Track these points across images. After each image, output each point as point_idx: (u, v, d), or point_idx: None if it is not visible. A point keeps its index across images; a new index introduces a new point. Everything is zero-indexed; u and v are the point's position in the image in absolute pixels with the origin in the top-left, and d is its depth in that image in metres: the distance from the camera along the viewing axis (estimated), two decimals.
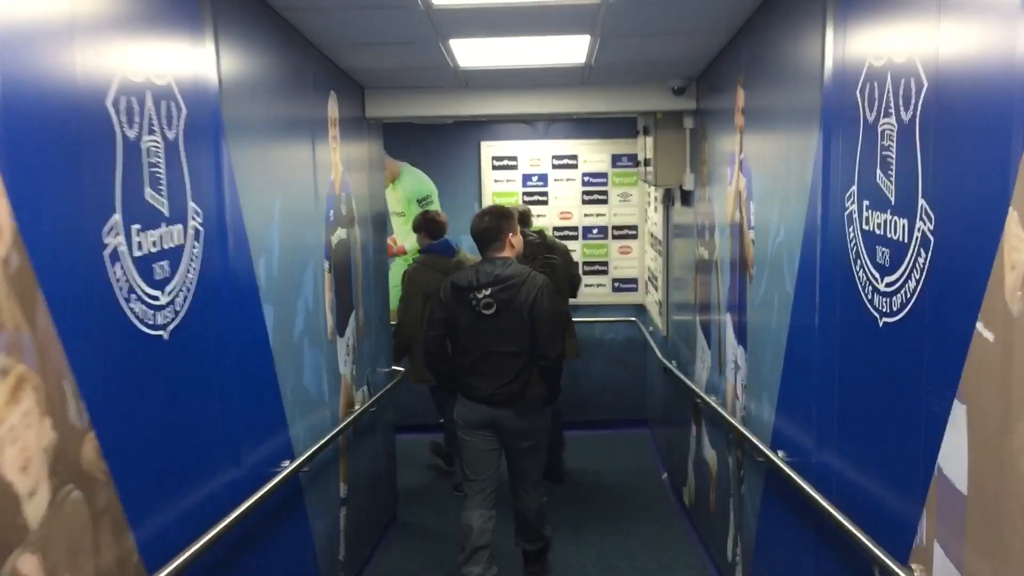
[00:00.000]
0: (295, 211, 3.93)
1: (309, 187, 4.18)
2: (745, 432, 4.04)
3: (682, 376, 5.79)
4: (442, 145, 7.98)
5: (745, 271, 4.16)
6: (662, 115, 5.73)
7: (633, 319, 8.09)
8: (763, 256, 3.83)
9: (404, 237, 8.10)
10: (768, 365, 3.81)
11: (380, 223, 6.13)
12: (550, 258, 6.23)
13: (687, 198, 5.80)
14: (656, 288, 7.25)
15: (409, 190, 8.02)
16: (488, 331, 4.64)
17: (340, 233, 4.73)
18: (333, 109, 4.65)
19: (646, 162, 6.11)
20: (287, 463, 3.66)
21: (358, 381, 5.11)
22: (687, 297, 5.89)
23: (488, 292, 4.61)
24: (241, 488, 3.12)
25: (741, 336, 4.29)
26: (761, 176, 3.88)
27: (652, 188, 7.27)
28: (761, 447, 3.77)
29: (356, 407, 5.02)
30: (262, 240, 3.46)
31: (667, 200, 6.41)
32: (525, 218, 6.39)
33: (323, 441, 4.12)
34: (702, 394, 5.12)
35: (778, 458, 3.58)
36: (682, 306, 6.18)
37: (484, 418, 4.73)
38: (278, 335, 3.61)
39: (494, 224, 4.75)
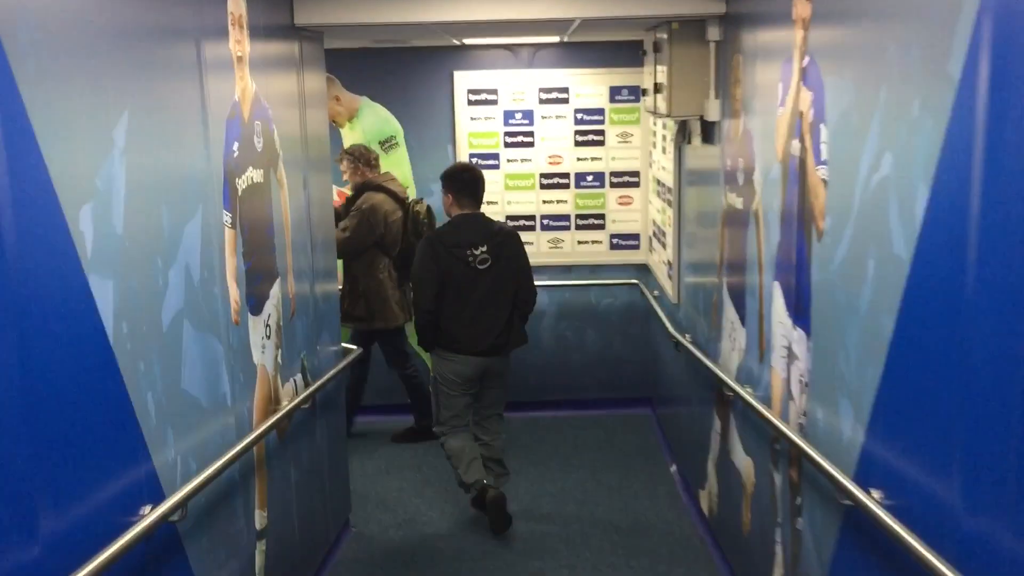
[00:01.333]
0: (159, 136, 2.70)
1: (189, 103, 2.95)
2: (809, 451, 2.87)
3: (702, 357, 4.62)
4: (408, 76, 6.72)
5: (809, 224, 2.97)
6: (678, 25, 4.49)
7: (635, 281, 6.90)
8: (844, 202, 2.64)
9: None
10: (851, 360, 2.63)
11: (323, 168, 4.90)
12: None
13: (709, 133, 4.58)
14: (664, 245, 6.05)
15: (369, 130, 6.77)
16: (482, 286, 4.87)
17: (252, 175, 3.50)
18: (237, 5, 3.40)
19: (656, 88, 4.88)
20: (147, 509, 2.48)
21: (286, 371, 3.92)
22: (707, 257, 4.70)
23: (485, 248, 4.86)
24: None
25: (800, 314, 3.11)
26: (842, 85, 2.67)
27: (661, 124, 6.04)
28: (840, 478, 2.61)
29: (285, 403, 3.84)
30: (86, 178, 2.24)
31: (680, 138, 5.18)
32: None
33: (219, 464, 2.94)
34: (733, 384, 3.95)
35: (872, 500, 2.42)
36: (700, 268, 4.99)
37: (477, 370, 5.01)
38: (126, 321, 2.40)
39: (482, 178, 5.05)
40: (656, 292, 6.58)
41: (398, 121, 6.77)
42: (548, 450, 6.44)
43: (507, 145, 6.78)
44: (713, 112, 4.38)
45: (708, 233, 4.67)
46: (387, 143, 6.78)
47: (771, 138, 3.39)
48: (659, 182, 6.21)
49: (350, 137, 6.80)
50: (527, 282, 5.07)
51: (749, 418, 3.88)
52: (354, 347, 5.24)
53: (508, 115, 6.76)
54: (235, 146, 3.30)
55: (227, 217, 3.20)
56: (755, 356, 3.74)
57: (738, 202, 3.98)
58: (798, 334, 3.12)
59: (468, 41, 6.35)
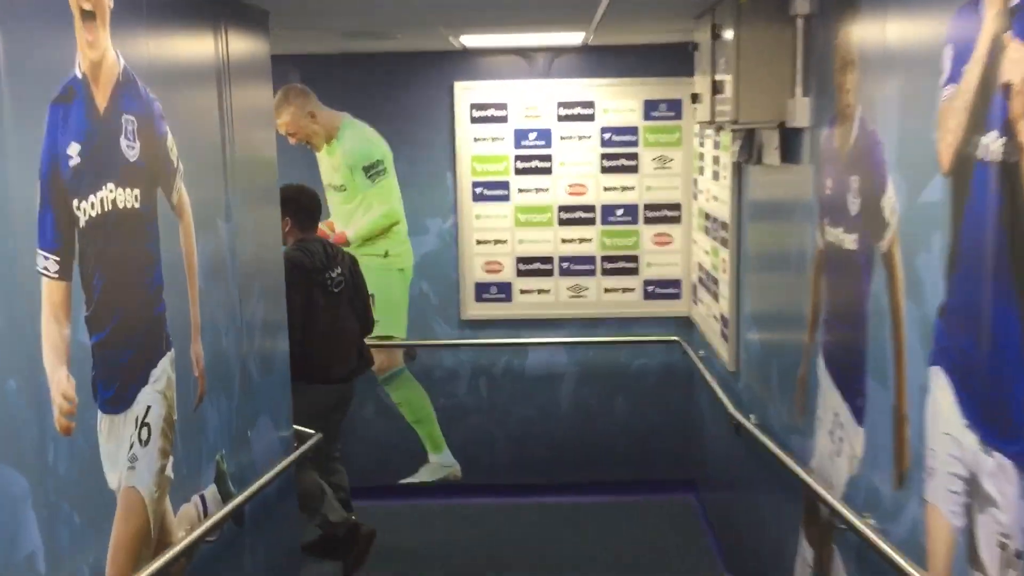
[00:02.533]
0: None
1: None
2: None
3: (783, 455, 3.34)
4: (399, 88, 5.53)
5: None
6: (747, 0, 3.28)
7: (675, 338, 5.63)
8: None
9: (346, 220, 5.64)
10: None
11: (266, 196, 3.68)
12: None
13: (792, 147, 3.34)
14: (715, 296, 4.79)
15: (352, 153, 5.56)
16: (337, 309, 4.66)
17: (113, 196, 2.26)
18: None
19: (715, 88, 3.64)
20: None
21: (183, 488, 2.66)
22: (788, 313, 3.44)
23: (339, 271, 4.65)
24: None
25: (1001, 430, 1.83)
26: None
27: (711, 144, 4.80)
28: None
29: (183, 536, 2.58)
30: None
31: (744, 156, 3.93)
32: None
33: None
34: (841, 508, 2.67)
35: None
36: (774, 327, 3.72)
37: (339, 397, 4.79)
38: None
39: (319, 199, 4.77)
40: (702, 352, 5.30)
41: (387, 143, 5.57)
42: (566, 546, 5.15)
43: (519, 171, 5.56)
44: (800, 115, 3.13)
45: (788, 281, 3.40)
46: (373, 170, 5.57)
47: (925, 139, 2.14)
48: (707, 216, 4.95)
49: (328, 163, 5.60)
50: (366, 304, 4.92)
51: (868, 557, 2.59)
52: (312, 431, 3.99)
53: (520, 135, 5.55)
54: (72, 148, 2.07)
55: (48, 262, 1.96)
56: (885, 474, 2.46)
57: (847, 240, 2.72)
58: (995, 463, 1.84)
59: (470, 43, 5.16)
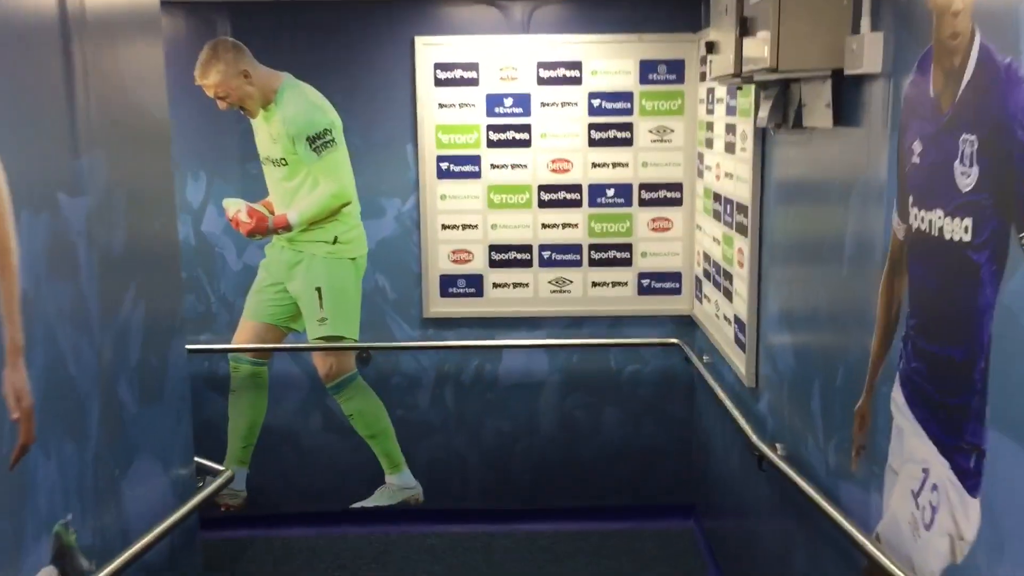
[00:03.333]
0: None
1: None
2: None
3: (833, 511, 2.53)
4: (350, 44, 4.65)
5: None
6: None
7: (674, 341, 4.80)
8: None
9: (287, 200, 4.78)
10: None
11: (151, 163, 2.82)
12: None
13: (851, 101, 2.50)
14: (727, 292, 3.96)
15: (293, 121, 4.68)
16: None
17: None
18: None
19: (743, 28, 2.79)
20: None
21: None
22: (838, 324, 2.62)
23: None
24: None
25: None
26: None
27: (723, 108, 3.97)
28: None
29: None
30: None
31: (773, 122, 3.08)
32: None
33: None
34: None
35: None
36: (814, 334, 2.90)
37: None
38: None
39: None
40: (708, 358, 4.49)
41: (335, 109, 4.70)
42: None
43: (492, 144, 4.70)
44: (869, 57, 2.29)
45: (841, 280, 2.58)
46: (319, 140, 4.69)
47: None
48: (718, 197, 4.12)
49: (265, 132, 4.72)
50: None
51: None
52: (221, 467, 3.14)
53: (493, 101, 4.69)
54: None
55: None
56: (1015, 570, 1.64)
57: (954, 227, 1.89)
58: None
59: None
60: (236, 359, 4.93)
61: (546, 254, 4.80)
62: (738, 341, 3.77)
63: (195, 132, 4.71)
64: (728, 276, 3.93)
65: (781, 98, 2.95)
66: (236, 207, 4.77)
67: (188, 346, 4.93)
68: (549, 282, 4.83)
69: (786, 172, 3.15)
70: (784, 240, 3.20)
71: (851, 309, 2.51)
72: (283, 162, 4.72)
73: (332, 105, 4.69)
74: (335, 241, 4.81)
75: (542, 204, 4.75)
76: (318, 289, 4.83)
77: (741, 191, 3.65)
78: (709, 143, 4.31)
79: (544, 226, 4.78)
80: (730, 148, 3.85)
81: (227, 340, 4.88)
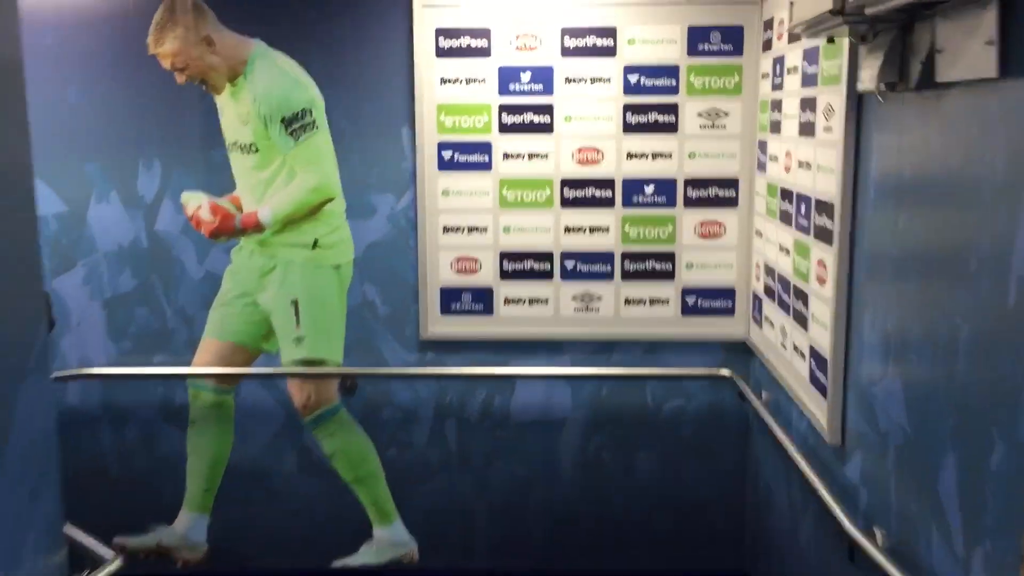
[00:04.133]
0: None
1: None
2: None
3: None
4: (335, 6, 3.83)
5: None
6: None
7: (725, 372, 3.91)
8: None
9: (257, 195, 3.95)
10: None
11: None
12: None
13: None
14: (799, 316, 3.08)
15: (266, 99, 3.85)
16: None
17: None
18: None
19: None
20: None
21: None
22: (982, 362, 1.74)
23: None
24: None
25: None
26: None
27: (799, 75, 3.08)
28: None
29: None
30: None
31: (885, 82, 2.19)
32: None
33: None
34: None
35: None
36: (935, 379, 2.02)
37: None
38: None
39: None
40: (767, 393, 3.62)
41: (316, 85, 3.87)
42: None
43: (505, 128, 3.86)
44: None
45: (1002, 310, 1.71)
46: (297, 123, 3.86)
47: None
48: (787, 194, 3.24)
49: (232, 111, 3.91)
50: None
51: None
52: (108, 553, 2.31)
53: (508, 76, 3.84)
54: None
55: None
56: None
57: None
58: None
59: None
60: (196, 385, 4.11)
61: (569, 264, 3.94)
62: (815, 382, 2.89)
63: (147, 111, 3.91)
64: (801, 295, 3.05)
65: (898, 45, 2.07)
66: (197, 203, 3.96)
67: (139, 369, 4.17)
68: (573, 298, 3.97)
69: (900, 154, 2.27)
70: (894, 250, 2.32)
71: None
72: (253, 148, 3.90)
73: (312, 79, 3.87)
74: (315, 245, 3.98)
75: (565, 203, 3.89)
76: (294, 302, 4.00)
77: (824, 185, 2.77)
78: (775, 127, 3.43)
79: (567, 230, 3.92)
80: (807, 129, 2.97)
81: (186, 362, 4.06)
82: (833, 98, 2.68)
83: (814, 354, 2.90)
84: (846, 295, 2.65)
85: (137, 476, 4.17)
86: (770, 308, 3.52)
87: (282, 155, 3.88)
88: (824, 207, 2.77)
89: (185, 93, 3.88)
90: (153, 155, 3.95)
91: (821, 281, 2.82)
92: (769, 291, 3.53)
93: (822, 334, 2.81)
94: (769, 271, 3.53)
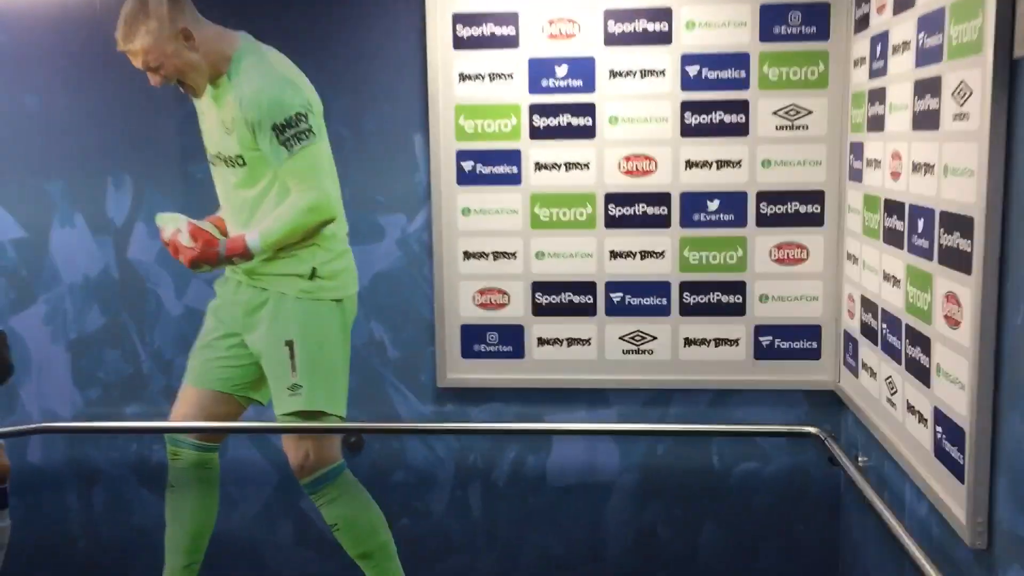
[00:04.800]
0: None
1: None
2: None
3: None
4: None
5: None
6: None
7: (810, 429, 3.16)
8: None
9: (244, 216, 3.31)
10: None
11: None
12: None
13: None
14: (919, 369, 2.34)
15: (254, 102, 3.21)
16: None
17: None
18: None
19: None
20: None
21: None
22: None
23: None
24: None
25: None
26: None
27: (912, 52, 2.37)
28: None
29: None
30: None
31: None
32: None
33: None
34: None
35: None
36: None
37: None
38: None
39: None
40: (864, 457, 2.89)
41: (312, 86, 3.25)
42: None
43: (536, 134, 3.19)
44: None
45: None
46: (290, 130, 3.22)
47: None
48: (892, 207, 2.52)
49: (213, 117, 3.29)
50: None
51: None
52: None
53: (541, 69, 3.18)
54: None
55: None
56: None
57: None
58: None
59: None
60: (175, 442, 3.48)
61: (616, 296, 3.25)
62: (943, 456, 2.15)
63: (117, 119, 3.33)
64: (919, 340, 2.32)
65: None
66: (175, 226, 3.33)
67: (107, 423, 3.57)
68: (621, 338, 3.27)
69: None
70: None
71: None
72: (240, 161, 3.28)
73: (308, 79, 3.24)
74: (313, 275, 3.33)
75: (611, 222, 3.21)
76: (289, 344, 3.35)
77: (955, 192, 2.05)
78: (875, 123, 2.71)
79: (614, 255, 3.23)
80: (926, 121, 2.25)
81: (163, 415, 3.44)
82: (969, 73, 1.97)
83: (941, 419, 2.17)
84: (993, 343, 1.92)
85: (108, 547, 3.55)
86: (870, 353, 2.79)
87: (273, 169, 3.25)
88: (956, 222, 2.05)
89: (160, 97, 3.29)
90: (122, 170, 3.37)
91: (952, 322, 2.09)
92: (868, 331, 2.80)
93: (955, 394, 2.08)
94: (868, 306, 2.80)
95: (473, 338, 3.33)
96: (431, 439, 3.42)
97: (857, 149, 2.91)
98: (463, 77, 3.20)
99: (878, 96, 2.67)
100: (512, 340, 3.32)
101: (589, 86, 3.16)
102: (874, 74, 2.73)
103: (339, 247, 3.35)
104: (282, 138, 3.22)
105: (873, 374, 2.76)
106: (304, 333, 3.35)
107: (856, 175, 2.93)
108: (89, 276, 3.43)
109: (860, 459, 2.97)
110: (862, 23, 2.86)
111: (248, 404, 3.45)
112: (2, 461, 3.24)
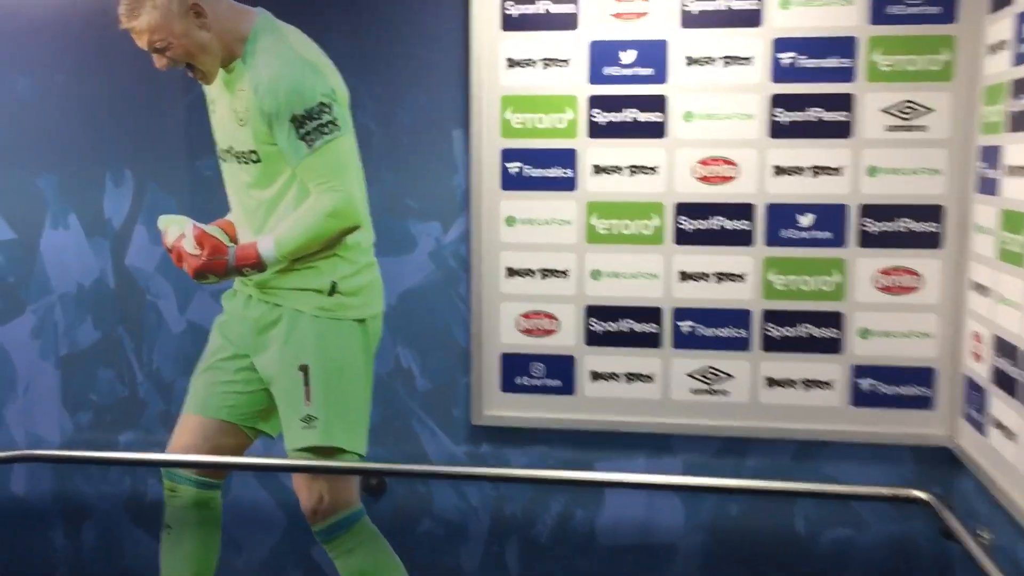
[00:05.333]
0: None
1: None
2: None
3: None
4: None
5: None
6: None
7: (919, 494, 2.61)
8: None
9: (259, 221, 2.87)
10: None
11: None
12: None
13: None
14: None
15: (271, 89, 2.77)
16: None
17: None
18: None
19: None
20: None
21: None
22: None
23: None
24: None
25: None
26: None
27: None
28: None
29: None
30: None
31: None
32: None
33: None
34: None
35: None
36: None
37: None
38: None
39: None
40: (987, 533, 2.33)
41: (338, 72, 2.80)
42: None
43: (596, 131, 2.71)
44: None
45: None
46: (311, 122, 2.76)
47: None
48: None
49: (225, 106, 2.85)
50: None
51: None
52: None
53: (603, 55, 2.69)
54: None
55: None
56: None
57: None
58: None
59: None
60: (173, 476, 3.04)
61: (686, 326, 2.74)
62: None
63: (117, 106, 2.93)
64: None
65: None
66: (179, 230, 2.90)
67: (98, 452, 3.16)
68: (690, 375, 2.76)
69: None
70: None
71: None
72: (253, 157, 2.84)
73: (333, 65, 2.80)
74: (333, 290, 2.87)
75: (682, 237, 2.71)
76: (303, 368, 2.89)
77: None
78: (1020, 122, 2.18)
79: (685, 276, 2.73)
80: None
81: (160, 444, 3.02)
82: None
83: None
84: None
85: None
86: (1005, 406, 2.24)
87: (291, 167, 2.80)
88: None
89: (166, 82, 2.88)
90: (122, 164, 2.96)
91: None
92: (1003, 379, 2.25)
93: None
94: (1004, 348, 2.25)
95: (515, 369, 2.85)
96: (463, 485, 2.94)
97: (991, 155, 2.37)
98: (512, 63, 2.73)
99: (1022, 88, 2.14)
100: (561, 373, 2.83)
101: (660, 75, 2.67)
102: (1020, 61, 2.19)
103: (363, 259, 2.89)
104: (302, 131, 2.76)
105: (1008, 433, 2.21)
106: (321, 357, 2.88)
107: (989, 187, 2.38)
108: (83, 284, 3.02)
109: (981, 534, 2.41)
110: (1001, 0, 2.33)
111: (256, 436, 2.99)
112: None
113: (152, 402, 3.04)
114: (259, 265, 2.85)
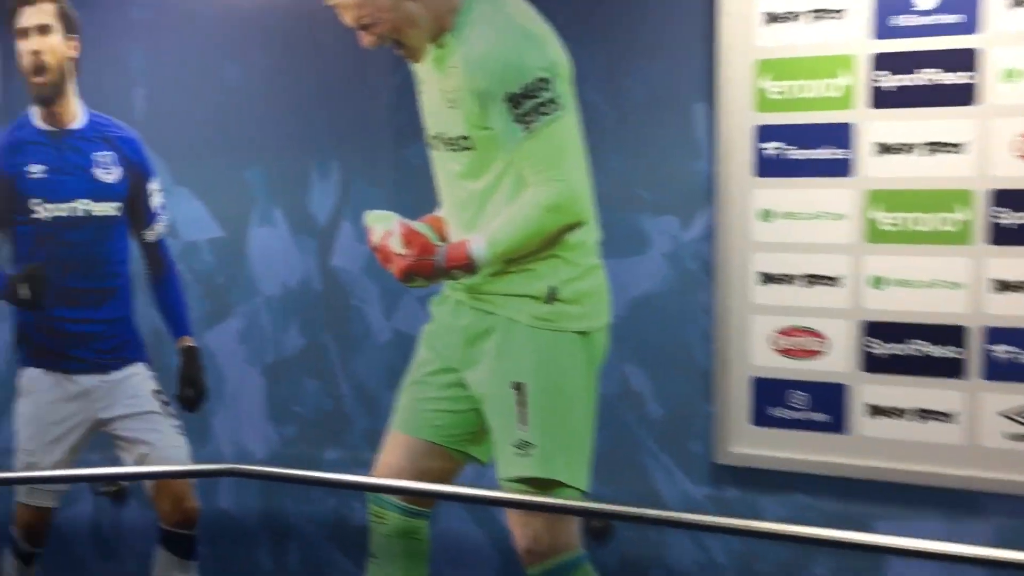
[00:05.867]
0: None
1: None
2: None
3: None
4: None
5: None
6: None
7: None
8: None
9: (470, 216, 2.51)
10: None
11: None
12: None
13: None
14: None
15: (484, 64, 2.39)
16: None
17: None
18: None
19: None
20: None
21: None
22: None
23: None
24: None
25: None
26: None
27: None
28: None
29: None
30: None
31: None
32: None
33: None
34: None
35: None
36: None
37: None
38: None
39: None
40: None
41: (559, 42, 2.38)
42: None
43: (882, 100, 2.15)
44: None
45: None
46: (529, 101, 2.35)
47: None
48: None
49: (435, 87, 2.51)
50: None
51: None
52: None
53: (888, 1, 2.11)
54: None
55: None
56: None
57: None
58: None
59: None
60: (380, 501, 2.75)
61: (1002, 351, 2.10)
62: None
63: (324, 93, 2.68)
64: None
65: None
66: (385, 227, 2.60)
67: (306, 472, 2.93)
68: (1006, 415, 2.12)
69: None
70: None
71: None
72: (465, 143, 2.47)
73: (554, 36, 2.39)
74: (552, 297, 2.45)
75: (999, 236, 2.08)
76: (518, 387, 2.49)
77: None
78: None
79: (1000, 286, 2.09)
80: None
81: (365, 465, 2.74)
82: None
83: None
84: None
85: None
86: None
87: (507, 153, 2.42)
88: None
89: (373, 62, 2.59)
90: (330, 156, 2.72)
91: None
92: None
93: None
94: None
95: (770, 398, 2.32)
96: (704, 536, 2.44)
97: None
98: (771, 17, 2.21)
99: None
100: (829, 405, 2.27)
101: (970, 24, 2.05)
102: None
103: (587, 261, 2.45)
104: (518, 112, 2.35)
105: None
106: (538, 374, 2.47)
107: None
108: (288, 286, 2.80)
109: None
110: None
111: (465, 461, 2.63)
112: (190, 503, 2.72)
113: (358, 418, 2.78)
114: (470, 266, 2.47)
